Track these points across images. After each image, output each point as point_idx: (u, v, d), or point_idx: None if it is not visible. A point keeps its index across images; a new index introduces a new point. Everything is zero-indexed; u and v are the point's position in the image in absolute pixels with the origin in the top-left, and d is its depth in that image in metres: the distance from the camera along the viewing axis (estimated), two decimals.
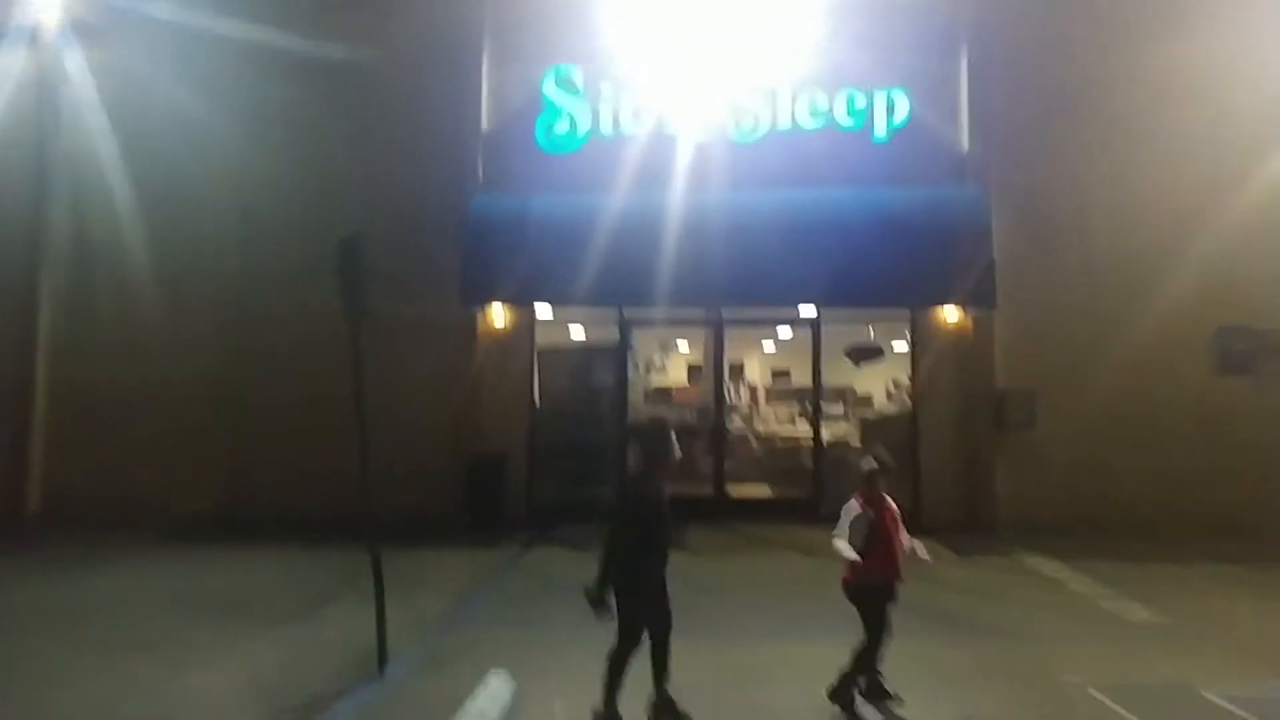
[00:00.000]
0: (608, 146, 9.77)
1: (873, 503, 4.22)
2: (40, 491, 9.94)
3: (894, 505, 4.36)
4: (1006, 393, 9.52)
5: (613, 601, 3.83)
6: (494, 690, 4.17)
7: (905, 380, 10.57)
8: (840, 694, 4.20)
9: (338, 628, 5.44)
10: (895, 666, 4.35)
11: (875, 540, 4.15)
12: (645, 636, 3.96)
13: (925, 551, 4.35)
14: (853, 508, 4.23)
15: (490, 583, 6.91)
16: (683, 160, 9.57)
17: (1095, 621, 5.96)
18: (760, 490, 10.72)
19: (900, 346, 10.74)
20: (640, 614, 3.91)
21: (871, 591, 4.21)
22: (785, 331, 11.89)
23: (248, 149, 10.05)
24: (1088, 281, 9.61)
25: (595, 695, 4.31)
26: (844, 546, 4.14)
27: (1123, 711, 4.24)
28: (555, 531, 9.08)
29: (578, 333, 11.14)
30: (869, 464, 4.31)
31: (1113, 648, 5.32)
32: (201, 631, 5.49)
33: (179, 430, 9.91)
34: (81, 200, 10.31)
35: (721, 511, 9.66)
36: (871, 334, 11.73)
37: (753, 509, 10.01)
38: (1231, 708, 4.27)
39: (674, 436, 4.14)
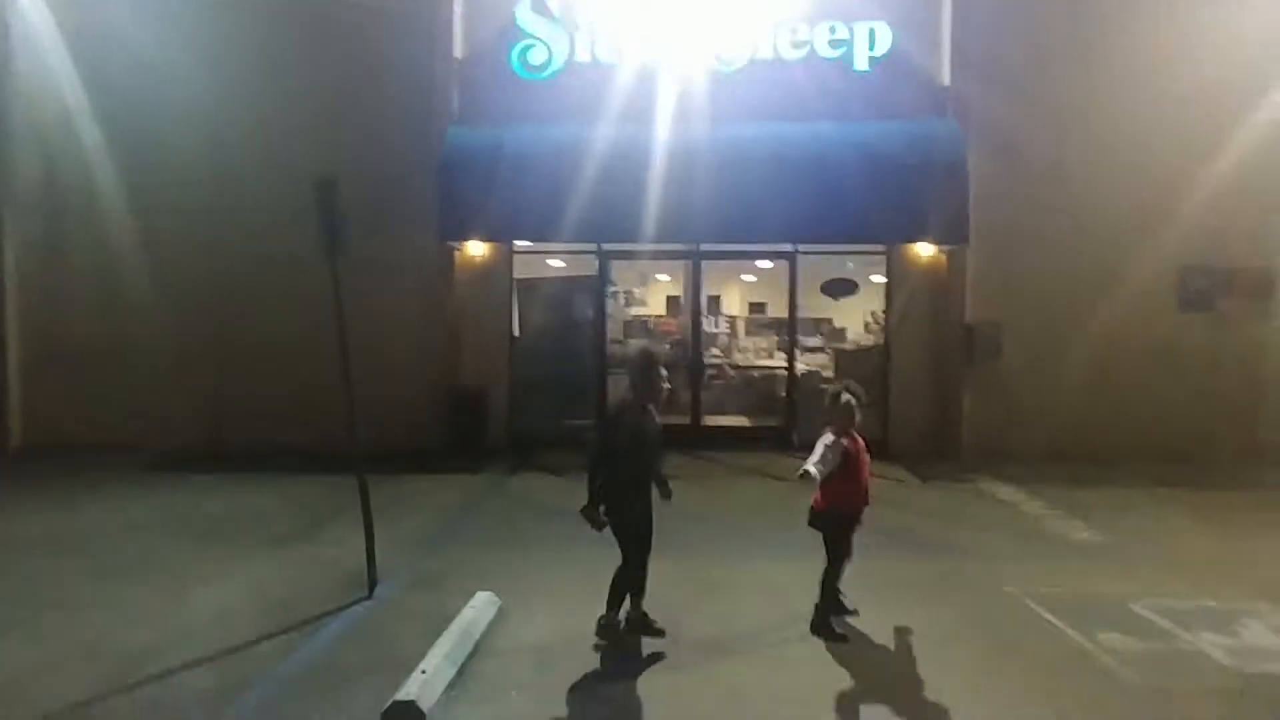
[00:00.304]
0: (585, 75, 9.61)
1: (845, 434, 4.41)
2: (21, 428, 10.00)
3: (860, 439, 4.54)
4: (975, 326, 9.80)
5: (604, 517, 4.06)
6: (480, 607, 4.43)
7: (880, 313, 10.81)
8: (820, 627, 4.47)
9: (329, 551, 5.72)
10: (856, 583, 4.70)
11: (846, 469, 4.38)
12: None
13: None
14: (827, 438, 4.42)
15: (474, 508, 7.21)
16: (662, 90, 9.47)
17: (1040, 540, 6.40)
18: (736, 420, 11.05)
19: (876, 280, 10.92)
20: (632, 535, 4.14)
21: (839, 519, 4.46)
22: (763, 265, 12.03)
23: (214, 80, 9.78)
24: (1059, 218, 9.76)
25: (577, 609, 4.66)
26: (812, 464, 4.33)
27: (1054, 620, 4.65)
28: (537, 459, 9.39)
29: (556, 265, 11.20)
30: (843, 397, 4.46)
31: (1053, 564, 5.74)
32: (198, 556, 5.74)
33: (161, 365, 9.94)
34: (43, 138, 10.05)
35: (698, 441, 9.99)
36: (850, 267, 11.89)
37: (728, 438, 10.35)
38: (1154, 618, 4.69)
39: (662, 367, 4.25)
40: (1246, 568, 5.61)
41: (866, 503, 4.54)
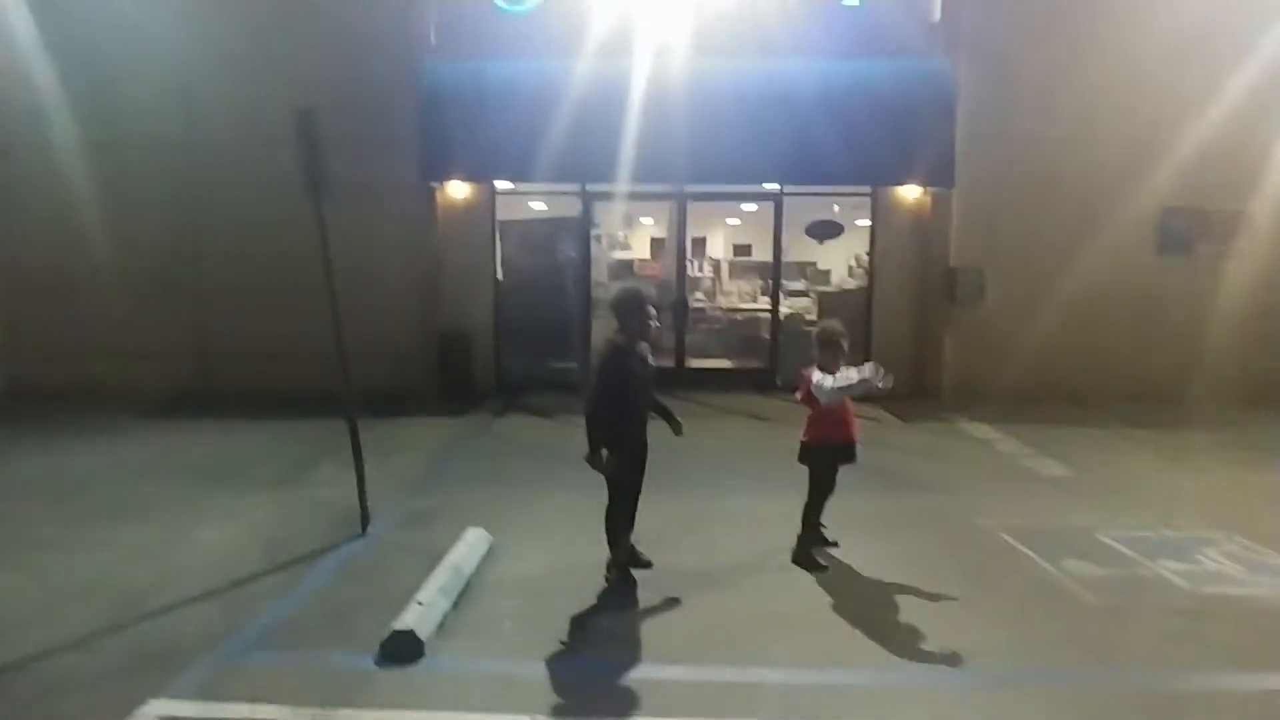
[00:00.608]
0: (566, 8, 9.35)
1: (830, 372, 4.46)
2: (4, 374, 9.86)
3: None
4: (959, 269, 9.88)
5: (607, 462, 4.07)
6: (472, 543, 4.56)
7: (864, 256, 10.84)
8: (801, 557, 4.66)
9: (322, 492, 5.81)
10: (836, 518, 4.87)
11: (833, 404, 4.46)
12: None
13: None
14: (811, 375, 4.48)
15: (462, 448, 7.32)
16: (645, 24, 9.20)
17: (1013, 477, 6.63)
18: (720, 362, 11.17)
19: (861, 223, 10.92)
20: (624, 473, 4.18)
21: (828, 453, 4.57)
22: (748, 207, 11.96)
23: (185, 10, 9.39)
24: (1044, 160, 9.75)
25: (565, 544, 4.82)
26: (839, 383, 4.36)
27: (1024, 549, 4.87)
28: (523, 401, 9.48)
29: (540, 206, 11.07)
30: (826, 335, 4.55)
31: (1024, 498, 5.97)
32: (193, 497, 5.80)
33: (144, 307, 9.80)
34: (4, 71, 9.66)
35: (682, 382, 10.08)
36: (835, 210, 11.86)
37: (712, 379, 10.47)
38: (1118, 546, 4.93)
39: (650, 306, 4.19)
40: (1206, 501, 5.87)
41: (853, 437, 4.62)
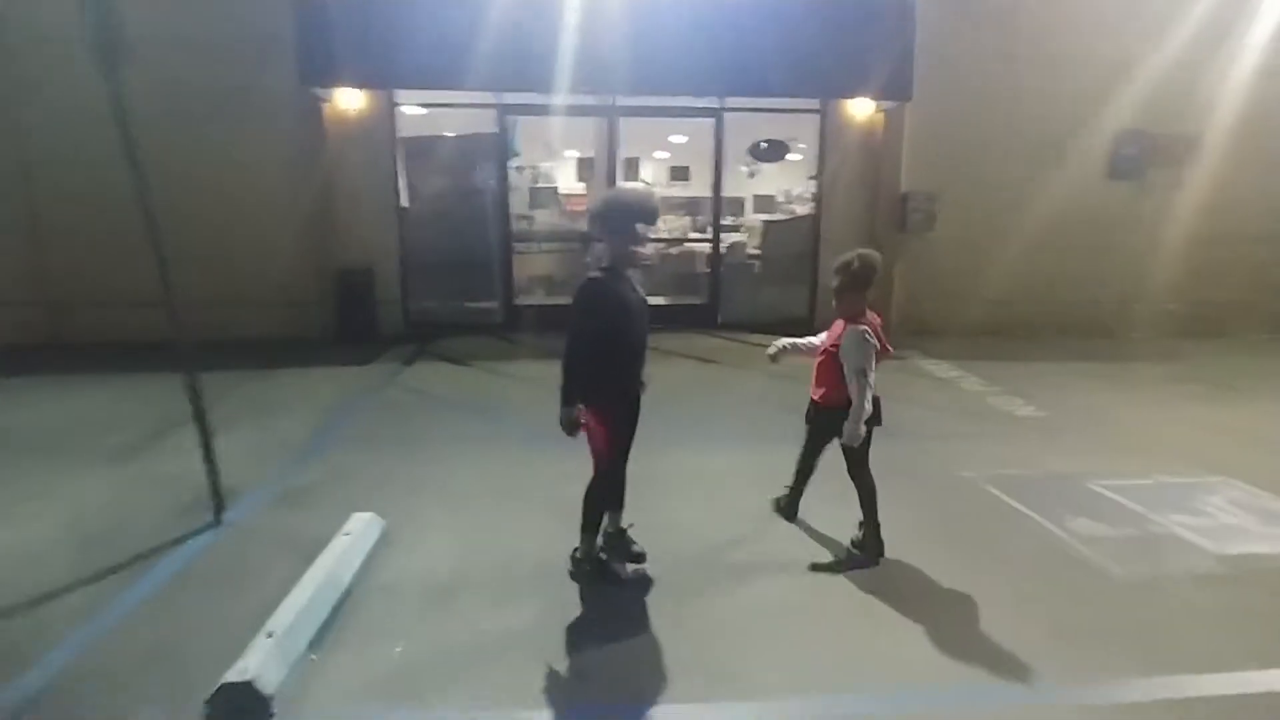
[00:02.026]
0: None
1: (853, 320, 3.42)
2: None
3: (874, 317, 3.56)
4: (909, 193, 9.17)
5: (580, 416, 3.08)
6: (358, 532, 3.52)
7: (809, 180, 10.00)
8: (787, 508, 4.02)
9: (176, 464, 4.60)
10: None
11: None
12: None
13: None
14: (840, 328, 3.46)
15: (362, 404, 6.18)
16: None
17: (985, 418, 6.03)
18: (654, 299, 10.20)
19: (807, 144, 10.02)
20: (616, 434, 3.20)
21: (839, 417, 3.54)
22: (686, 125, 10.83)
23: None
24: (1000, 78, 9.07)
25: (478, 524, 3.87)
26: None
27: (1020, 506, 4.23)
28: (436, 347, 8.34)
29: (449, 122, 9.64)
30: (867, 269, 3.35)
31: (1002, 443, 5.36)
32: (13, 475, 4.55)
33: None
34: None
35: None
36: (778, 132, 10.89)
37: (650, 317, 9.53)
38: (1119, 499, 4.35)
39: (643, 219, 3.09)
40: (1185, 442, 5.40)
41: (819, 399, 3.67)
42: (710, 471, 4.70)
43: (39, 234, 8.29)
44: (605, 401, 3.13)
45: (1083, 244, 9.56)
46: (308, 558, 3.26)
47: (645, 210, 3.15)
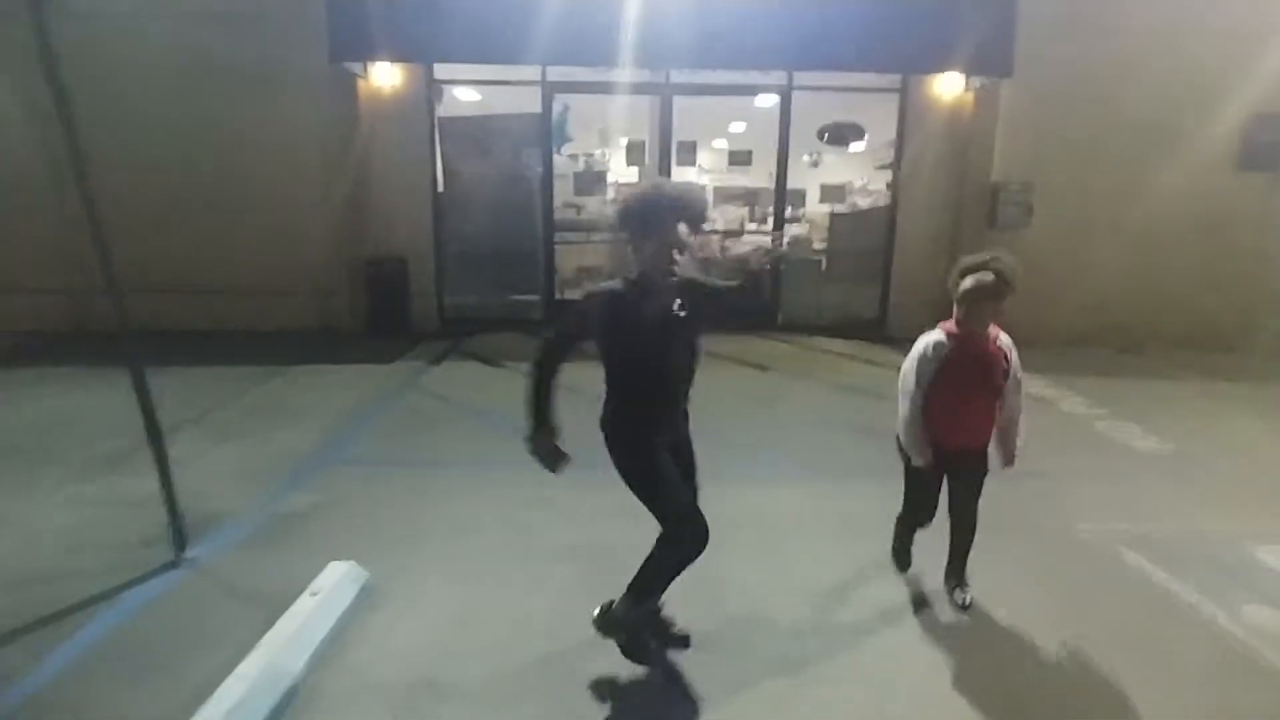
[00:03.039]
0: None
1: (976, 332, 2.89)
2: None
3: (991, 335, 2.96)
4: (1002, 185, 8.11)
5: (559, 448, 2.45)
6: (330, 591, 2.84)
7: (876, 170, 9.02)
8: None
9: (150, 482, 4.02)
10: (887, 524, 3.26)
11: (942, 387, 2.89)
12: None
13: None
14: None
15: (378, 410, 5.56)
16: None
17: (1097, 450, 5.06)
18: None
19: (886, 127, 9.01)
20: (660, 484, 2.47)
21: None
22: (748, 110, 9.92)
23: None
24: (1112, 52, 7.89)
25: (487, 579, 3.16)
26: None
27: (1168, 580, 3.30)
28: (469, 344, 7.72)
29: (490, 100, 8.98)
30: (1004, 280, 2.81)
31: (1125, 486, 4.41)
32: None
33: None
34: None
35: None
36: (854, 114, 9.91)
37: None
38: None
39: (682, 215, 2.39)
40: None
41: (974, 438, 2.99)
42: (772, 514, 3.89)
43: (69, 220, 7.96)
44: (630, 439, 2.45)
45: (1201, 243, 8.34)
46: (269, 619, 2.61)
47: (690, 207, 2.42)
